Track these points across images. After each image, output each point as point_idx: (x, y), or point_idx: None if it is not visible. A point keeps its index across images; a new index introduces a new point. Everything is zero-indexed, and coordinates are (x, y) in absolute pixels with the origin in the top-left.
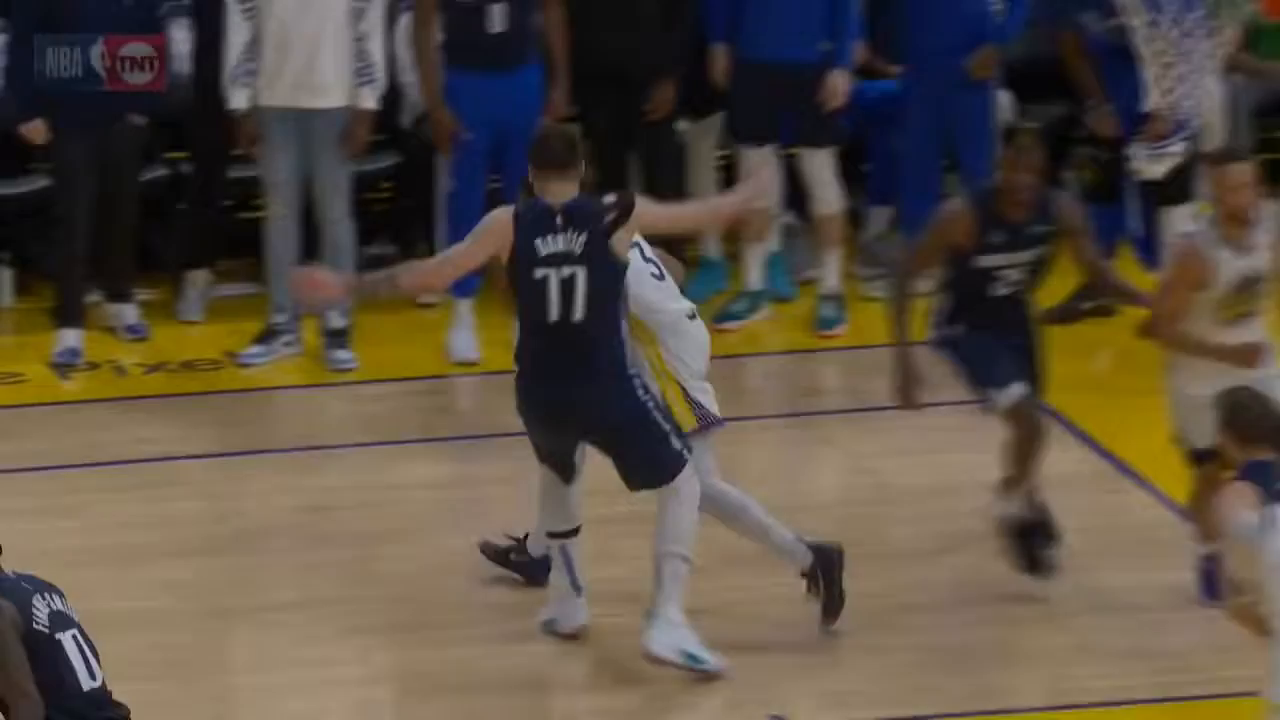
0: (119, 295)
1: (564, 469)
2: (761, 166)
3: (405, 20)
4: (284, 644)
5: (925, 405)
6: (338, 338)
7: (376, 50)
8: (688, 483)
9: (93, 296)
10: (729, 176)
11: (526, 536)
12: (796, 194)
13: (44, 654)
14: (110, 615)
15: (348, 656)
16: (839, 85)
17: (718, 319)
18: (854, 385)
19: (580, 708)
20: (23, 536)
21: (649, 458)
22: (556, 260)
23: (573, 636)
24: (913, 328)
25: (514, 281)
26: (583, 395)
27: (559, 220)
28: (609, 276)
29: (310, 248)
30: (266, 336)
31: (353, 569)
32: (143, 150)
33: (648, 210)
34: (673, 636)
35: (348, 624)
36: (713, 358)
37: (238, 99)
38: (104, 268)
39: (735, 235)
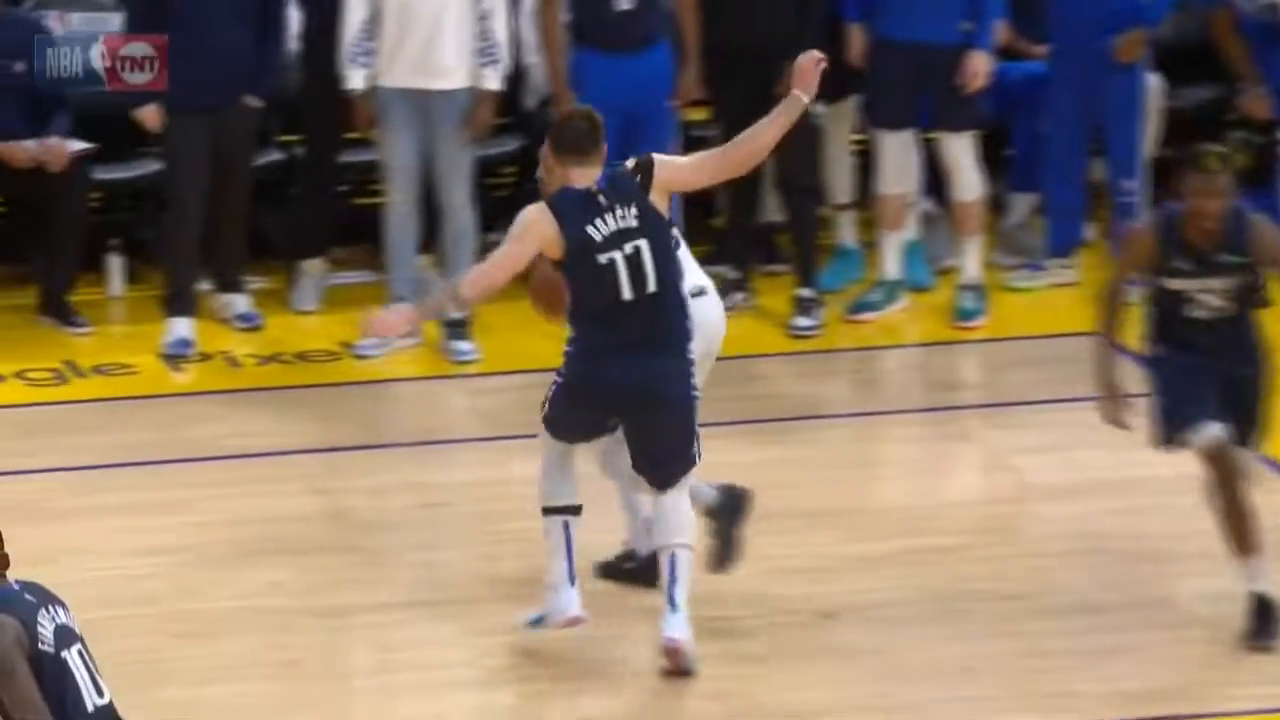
0: (231, 284)
1: (586, 438)
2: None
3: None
4: (400, 645)
5: (1131, 425)
6: (457, 328)
7: (500, 29)
8: (689, 478)
9: (204, 285)
10: (864, 162)
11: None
12: (935, 180)
13: (50, 673)
14: (222, 614)
15: (466, 658)
16: (980, 67)
17: (853, 309)
18: (994, 379)
19: (714, 712)
20: (131, 533)
21: (676, 454)
22: (617, 240)
23: (570, 626)
24: (1117, 343)
25: (573, 273)
26: (657, 369)
27: (602, 200)
28: (668, 239)
29: (429, 235)
30: None
31: (472, 568)
32: (256, 133)
33: (668, 163)
34: (681, 621)
35: (467, 625)
36: (849, 350)
37: (355, 79)
38: (216, 255)
39: (871, 223)
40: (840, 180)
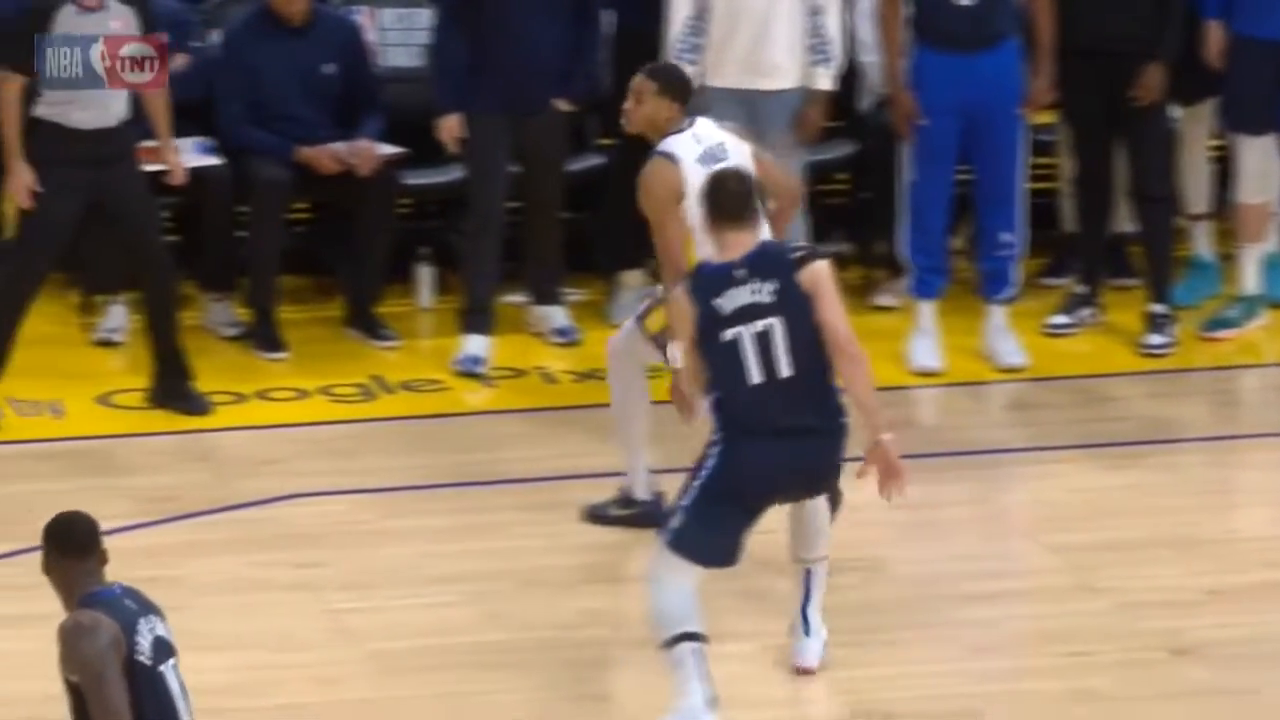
0: (546, 296)
1: (732, 558)
2: None
3: None
4: (723, 680)
5: None
6: None
7: (833, 26)
8: None
9: (519, 297)
10: (1222, 169)
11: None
12: None
13: (143, 686)
14: (531, 645)
15: (799, 695)
16: None
17: (1209, 326)
18: None
19: None
20: (438, 559)
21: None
22: (745, 316)
23: None
24: None
25: (703, 351)
26: (809, 457)
27: (739, 273)
28: (810, 323)
29: None
30: None
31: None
32: (570, 138)
33: (823, 279)
34: (817, 645)
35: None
36: (1205, 369)
37: None
38: (530, 266)
39: (1229, 234)
40: (1196, 188)
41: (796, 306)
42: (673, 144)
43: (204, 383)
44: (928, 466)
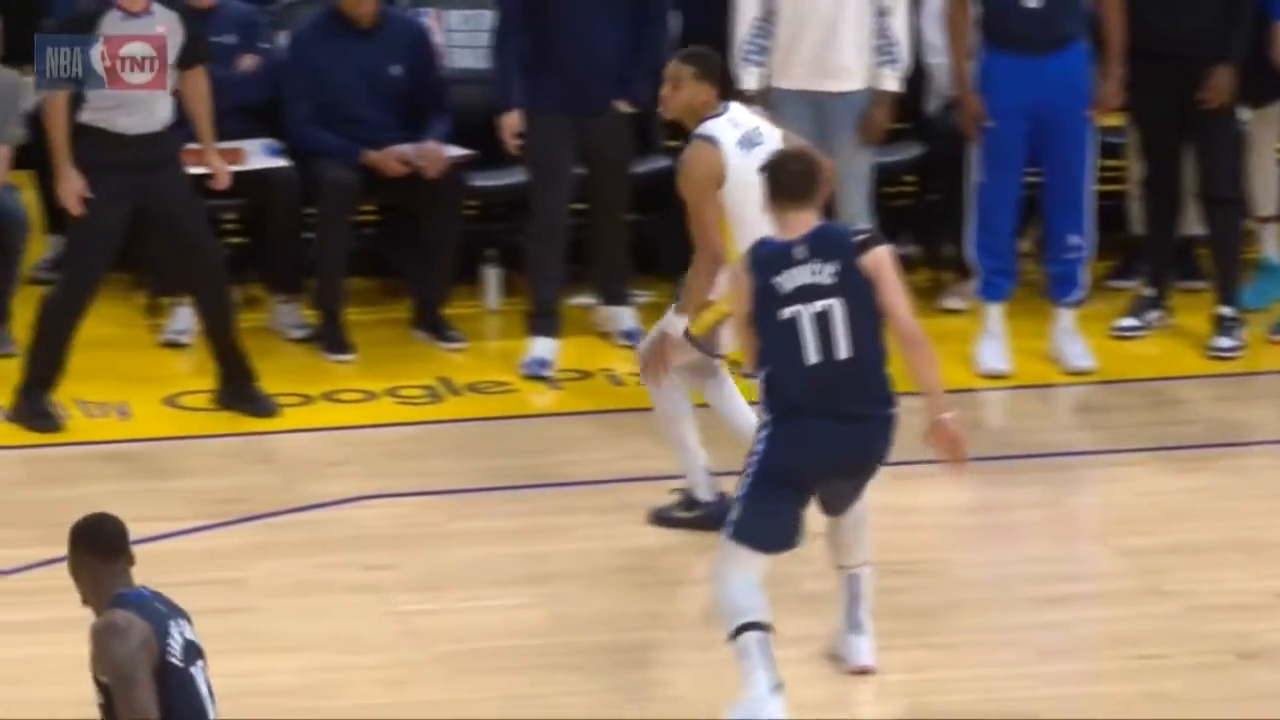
0: (615, 297)
1: (790, 542)
2: None
3: None
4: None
5: None
6: None
7: (900, 27)
8: None
9: (587, 299)
10: None
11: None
12: None
13: (175, 688)
14: (596, 647)
15: (855, 697)
16: None
17: (1277, 329)
18: None
19: None
20: (502, 560)
21: (860, 495)
22: (804, 295)
23: None
24: None
25: (757, 328)
26: (859, 442)
27: (799, 252)
28: (869, 307)
29: None
30: None
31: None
32: (635, 139)
33: (886, 264)
34: (871, 643)
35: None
36: (1273, 372)
37: (748, 79)
38: (597, 268)
39: None
40: (1265, 191)
41: (856, 289)
42: (712, 127)
43: (271, 384)
44: (996, 469)
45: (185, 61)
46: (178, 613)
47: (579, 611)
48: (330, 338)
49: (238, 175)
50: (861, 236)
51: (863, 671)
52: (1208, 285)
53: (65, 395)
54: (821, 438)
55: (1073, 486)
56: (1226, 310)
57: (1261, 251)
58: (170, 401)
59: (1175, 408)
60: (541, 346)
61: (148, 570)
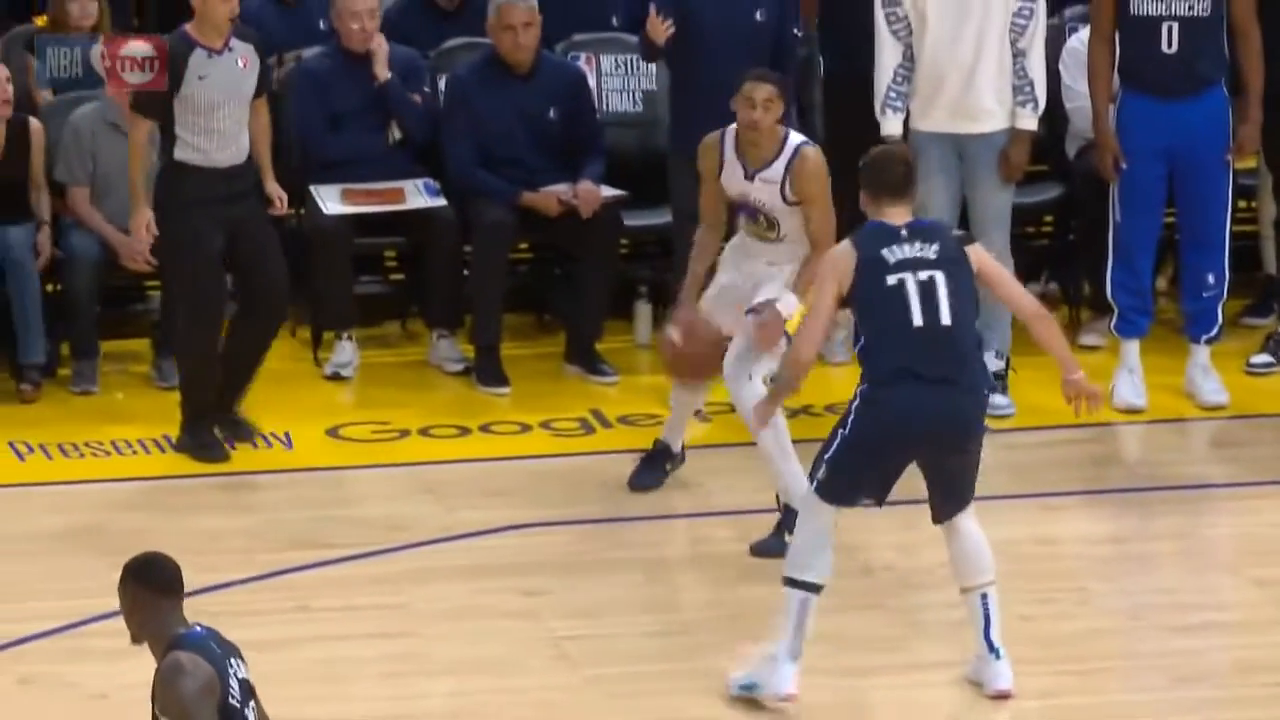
0: None
1: (870, 499)
2: None
3: (1074, 40)
4: (923, 709)
5: None
6: (995, 381)
7: (1037, 67)
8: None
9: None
10: None
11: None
12: None
13: None
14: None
15: None
16: None
17: None
18: None
19: None
20: (651, 587)
21: (969, 482)
22: (910, 265)
23: (783, 703)
24: None
25: (862, 298)
26: (955, 405)
27: (904, 233)
28: (970, 290)
29: None
30: None
31: (1007, 630)
32: None
33: (987, 257)
34: (1008, 667)
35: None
36: None
37: (891, 125)
38: None
39: None
40: None
41: (957, 266)
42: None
43: (429, 416)
44: (1133, 501)
45: (257, 92)
46: (232, 651)
47: (723, 639)
48: (487, 371)
49: (399, 214)
50: (960, 233)
51: (1001, 696)
52: None
53: None
54: (914, 403)
55: (1207, 518)
56: None
57: None
58: (333, 432)
59: None
60: None
61: (313, 594)
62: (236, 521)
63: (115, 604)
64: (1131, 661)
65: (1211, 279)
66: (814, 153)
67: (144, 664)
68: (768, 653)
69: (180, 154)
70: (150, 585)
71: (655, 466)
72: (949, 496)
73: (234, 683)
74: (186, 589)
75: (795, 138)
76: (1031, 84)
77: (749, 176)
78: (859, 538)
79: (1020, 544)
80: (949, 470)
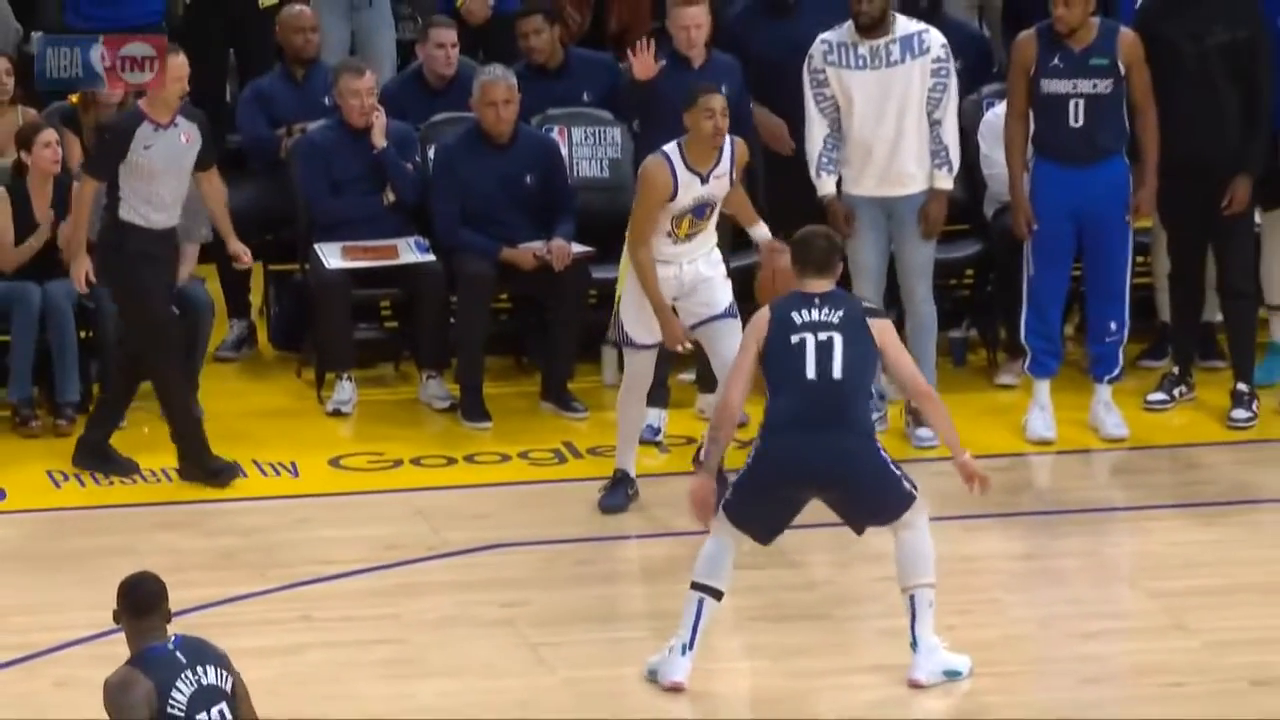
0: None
1: (769, 533)
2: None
3: (990, 114)
4: (859, 701)
5: None
6: (917, 415)
7: (950, 134)
8: (918, 513)
9: (688, 375)
10: None
11: None
12: None
13: None
14: (713, 674)
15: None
16: None
17: None
18: None
19: None
20: (622, 599)
21: (881, 504)
22: (813, 327)
23: (670, 690)
24: None
25: (769, 353)
26: (838, 447)
27: (816, 300)
28: (865, 350)
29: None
30: None
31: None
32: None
33: (893, 332)
34: (934, 661)
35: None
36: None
37: (826, 186)
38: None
39: None
40: (1277, 282)
41: (858, 331)
42: None
43: (419, 448)
44: (1043, 523)
45: (202, 165)
46: (203, 659)
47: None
48: (471, 408)
49: (393, 268)
50: (868, 304)
51: (912, 684)
52: (1225, 365)
53: (244, 456)
54: (801, 447)
55: (1109, 537)
56: (1242, 386)
57: (1271, 335)
58: (334, 462)
59: (1197, 470)
60: (653, 415)
61: (316, 606)
62: (249, 541)
63: None
64: (1043, 665)
65: (1114, 325)
66: (738, 138)
67: None
68: (670, 644)
69: (123, 214)
70: (128, 604)
71: (620, 491)
72: (859, 518)
73: (180, 694)
74: (203, 603)
75: None
76: (946, 149)
77: (705, 180)
78: (804, 557)
79: (944, 560)
80: (847, 501)
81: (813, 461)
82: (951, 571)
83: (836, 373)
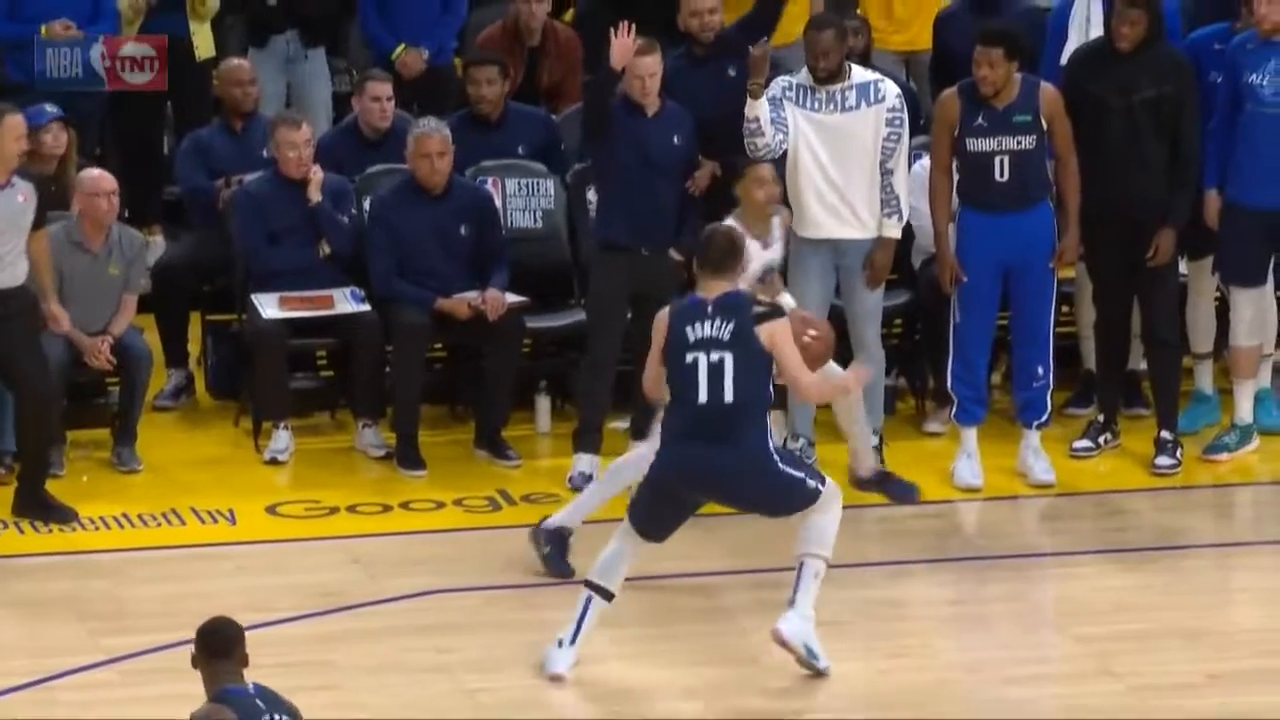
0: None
1: (662, 534)
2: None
3: (918, 166)
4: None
5: None
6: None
7: (901, 185)
8: (828, 501)
9: (620, 424)
10: (1224, 314)
11: None
12: None
13: None
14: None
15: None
16: None
17: (1209, 450)
18: None
19: None
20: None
21: (783, 505)
22: (705, 345)
23: (550, 680)
24: None
25: (668, 365)
26: (717, 460)
27: (710, 309)
28: (756, 363)
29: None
30: None
31: (860, 681)
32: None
33: (784, 333)
34: (803, 629)
35: None
36: (1205, 486)
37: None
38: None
39: (1228, 371)
40: (1201, 331)
41: (746, 345)
42: None
43: (355, 495)
44: (971, 568)
45: (35, 224)
46: (278, 708)
47: (618, 688)
48: (406, 456)
49: (328, 318)
50: (760, 309)
51: (776, 635)
52: (1150, 413)
53: (182, 504)
54: (690, 459)
55: (1036, 583)
56: (1166, 434)
57: (1196, 384)
58: (271, 510)
59: (1123, 516)
60: (585, 461)
61: (254, 652)
62: (188, 588)
63: (83, 661)
64: (972, 709)
65: (1040, 370)
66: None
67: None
68: (554, 641)
69: None
70: (204, 648)
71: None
72: (764, 513)
73: None
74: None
75: None
76: (897, 199)
77: (765, 246)
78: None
79: (873, 605)
80: (743, 506)
81: (704, 475)
82: (881, 616)
83: (728, 396)
